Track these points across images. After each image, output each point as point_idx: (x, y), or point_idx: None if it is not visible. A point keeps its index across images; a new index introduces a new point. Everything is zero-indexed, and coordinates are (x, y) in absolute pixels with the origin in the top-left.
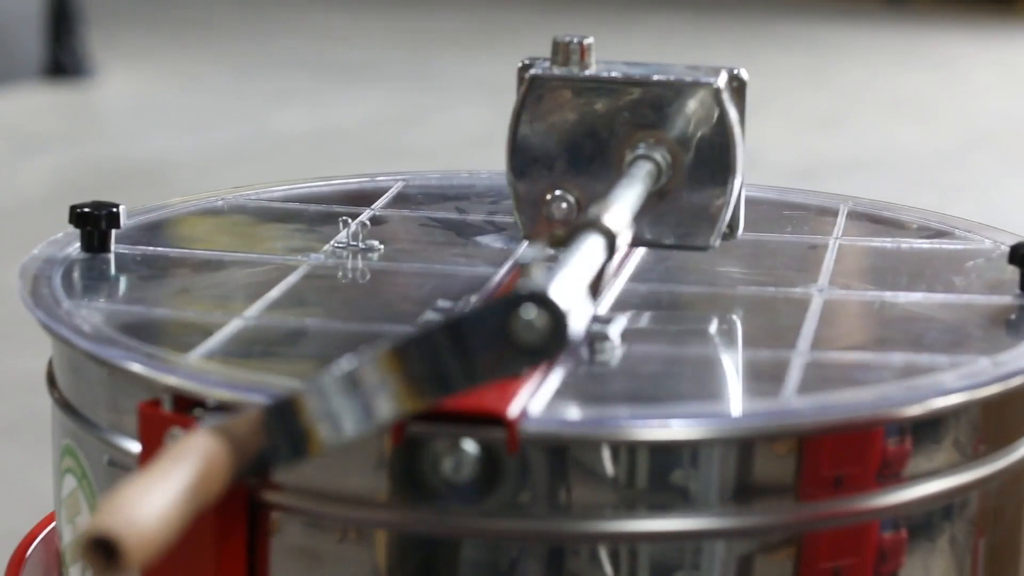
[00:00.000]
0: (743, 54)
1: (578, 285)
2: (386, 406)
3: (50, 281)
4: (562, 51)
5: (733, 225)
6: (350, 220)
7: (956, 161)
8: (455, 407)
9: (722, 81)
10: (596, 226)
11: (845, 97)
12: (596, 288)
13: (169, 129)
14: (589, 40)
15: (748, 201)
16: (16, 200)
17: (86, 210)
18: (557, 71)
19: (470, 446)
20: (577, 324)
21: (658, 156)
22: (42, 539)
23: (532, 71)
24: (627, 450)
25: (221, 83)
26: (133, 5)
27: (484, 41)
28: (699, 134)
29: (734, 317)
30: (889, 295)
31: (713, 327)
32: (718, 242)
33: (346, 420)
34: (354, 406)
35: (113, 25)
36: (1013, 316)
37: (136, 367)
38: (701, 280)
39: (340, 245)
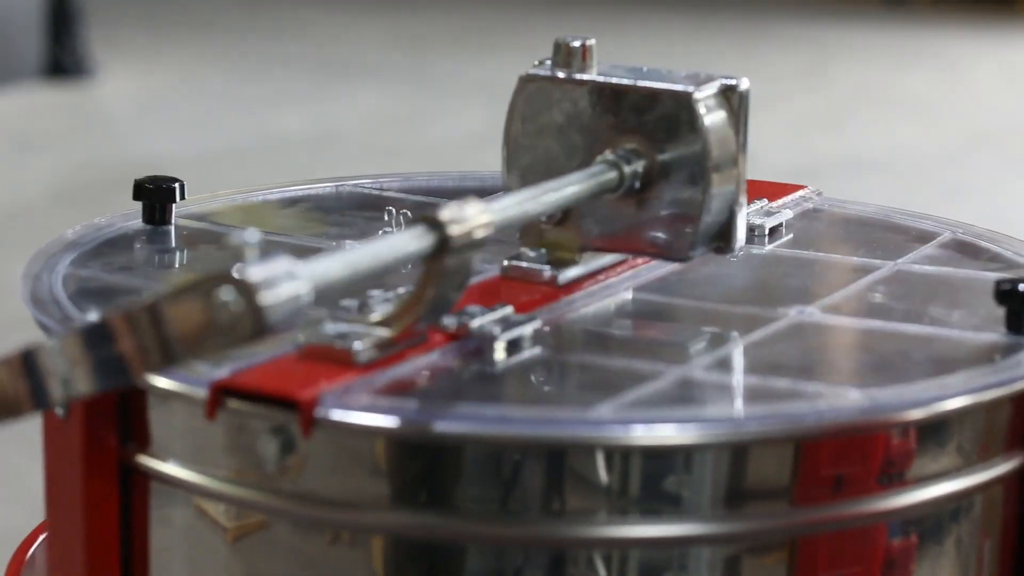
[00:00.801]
0: (743, 54)
1: (312, 271)
2: (85, 381)
3: (51, 281)
4: (563, 52)
5: (727, 239)
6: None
7: (957, 161)
8: (257, 387)
9: (707, 90)
10: (425, 219)
11: (845, 97)
12: (458, 283)
13: (169, 129)
14: (591, 42)
15: (850, 219)
16: (16, 200)
17: (148, 185)
18: (545, 72)
19: (271, 427)
20: (284, 309)
21: (624, 162)
22: (43, 540)
23: (528, 71)
24: (621, 455)
25: (221, 83)
26: (133, 5)
27: (484, 42)
28: (675, 143)
29: (676, 331)
30: (877, 324)
31: (648, 339)
32: (695, 255)
33: (78, 381)
34: (78, 370)
35: (113, 25)
36: (995, 357)
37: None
38: (693, 294)
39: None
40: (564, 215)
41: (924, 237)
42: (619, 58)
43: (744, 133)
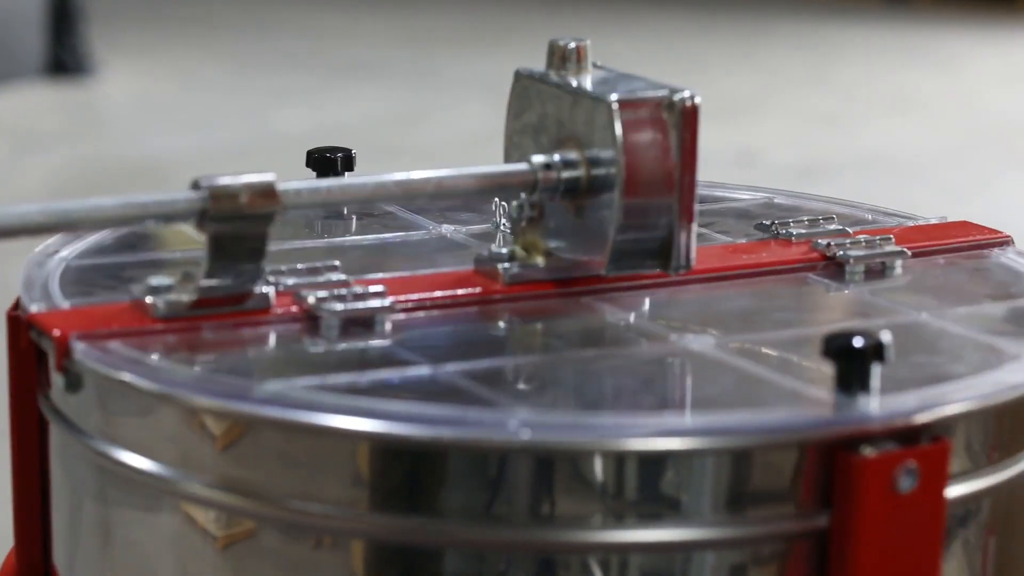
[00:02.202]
0: (744, 53)
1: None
2: None
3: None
4: (557, 54)
5: (666, 258)
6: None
7: (957, 159)
8: (42, 321)
9: (635, 101)
10: (195, 183)
11: (846, 95)
12: (247, 253)
13: (170, 127)
14: (585, 43)
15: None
16: (17, 198)
17: (326, 155)
18: (527, 71)
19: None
20: None
21: (561, 167)
22: None
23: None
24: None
25: (222, 82)
26: (134, 3)
27: (485, 40)
28: (601, 152)
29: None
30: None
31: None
32: (614, 270)
33: None
34: None
35: (114, 23)
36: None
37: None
38: (632, 313)
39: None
40: (538, 215)
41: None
42: (619, 58)
43: (687, 148)
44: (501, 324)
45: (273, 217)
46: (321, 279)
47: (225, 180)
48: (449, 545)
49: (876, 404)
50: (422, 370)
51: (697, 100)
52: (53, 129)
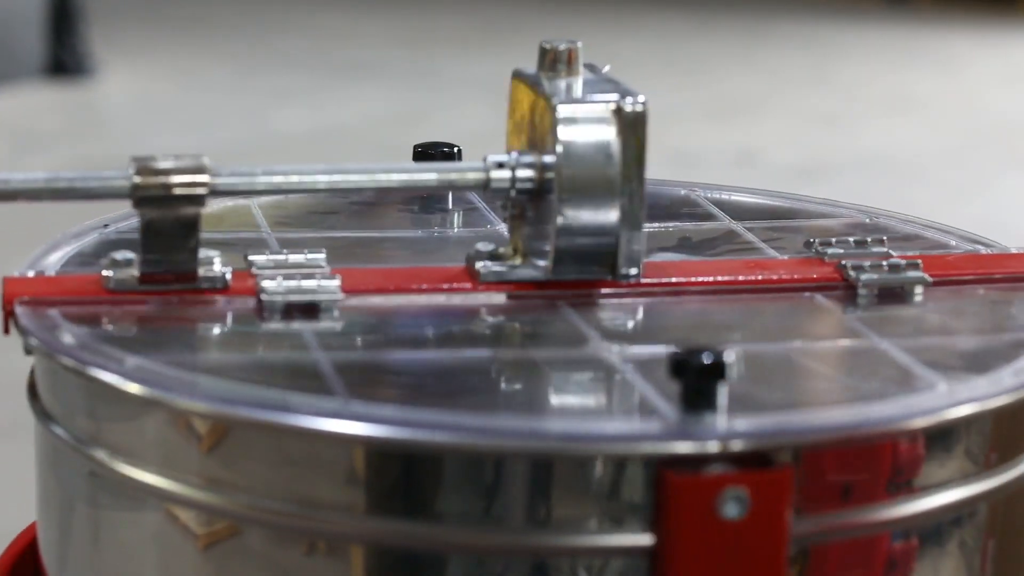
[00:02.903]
0: (744, 53)
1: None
2: None
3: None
4: (548, 56)
5: (620, 264)
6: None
7: (957, 159)
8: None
9: (583, 103)
10: (134, 159)
11: (846, 96)
12: (183, 236)
13: (170, 127)
14: (576, 45)
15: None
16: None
17: (430, 151)
18: (519, 70)
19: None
20: None
21: (517, 167)
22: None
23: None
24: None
25: (222, 82)
26: (134, 3)
27: (485, 40)
28: (550, 154)
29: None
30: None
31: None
32: (558, 275)
33: None
34: None
35: (114, 23)
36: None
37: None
38: (579, 325)
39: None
40: (519, 215)
41: None
42: (619, 59)
43: (633, 155)
44: (441, 321)
45: (203, 200)
46: (292, 266)
47: (156, 162)
48: (444, 549)
49: (712, 423)
50: (300, 356)
51: (645, 107)
52: (53, 129)
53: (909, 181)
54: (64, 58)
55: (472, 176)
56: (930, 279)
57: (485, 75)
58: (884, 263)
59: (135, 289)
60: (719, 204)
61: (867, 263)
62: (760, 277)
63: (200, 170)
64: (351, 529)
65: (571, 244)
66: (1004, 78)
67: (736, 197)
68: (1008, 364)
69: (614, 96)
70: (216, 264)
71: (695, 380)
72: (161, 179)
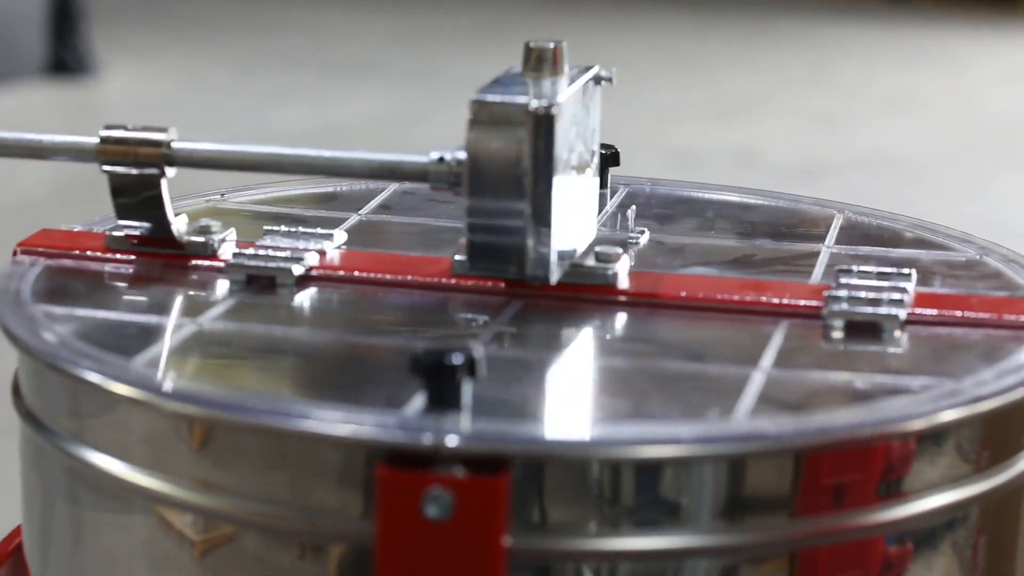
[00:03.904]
0: (744, 52)
1: None
2: None
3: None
4: (533, 55)
5: (528, 265)
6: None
7: (957, 159)
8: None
9: (501, 103)
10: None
11: (846, 95)
12: (148, 201)
13: (171, 126)
14: (561, 44)
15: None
16: (18, 198)
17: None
18: (514, 70)
19: None
20: None
21: (433, 160)
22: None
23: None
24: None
25: (223, 81)
26: (135, 3)
27: (486, 39)
28: (462, 151)
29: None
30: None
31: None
32: (471, 272)
33: None
34: None
35: (115, 22)
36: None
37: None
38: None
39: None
40: None
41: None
42: (619, 59)
43: (541, 157)
44: (383, 308)
45: (162, 168)
46: (289, 242)
47: (120, 131)
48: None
49: (439, 423)
50: (185, 324)
51: (555, 110)
52: (54, 128)
53: (909, 181)
54: (65, 57)
55: (414, 166)
56: (902, 318)
57: (486, 74)
58: (865, 296)
59: (126, 248)
60: (847, 225)
61: (846, 294)
62: (735, 298)
63: (156, 141)
64: (341, 531)
65: (481, 241)
66: (1004, 78)
67: (864, 219)
68: (866, 404)
69: (525, 98)
70: (216, 233)
71: (433, 378)
72: (123, 147)
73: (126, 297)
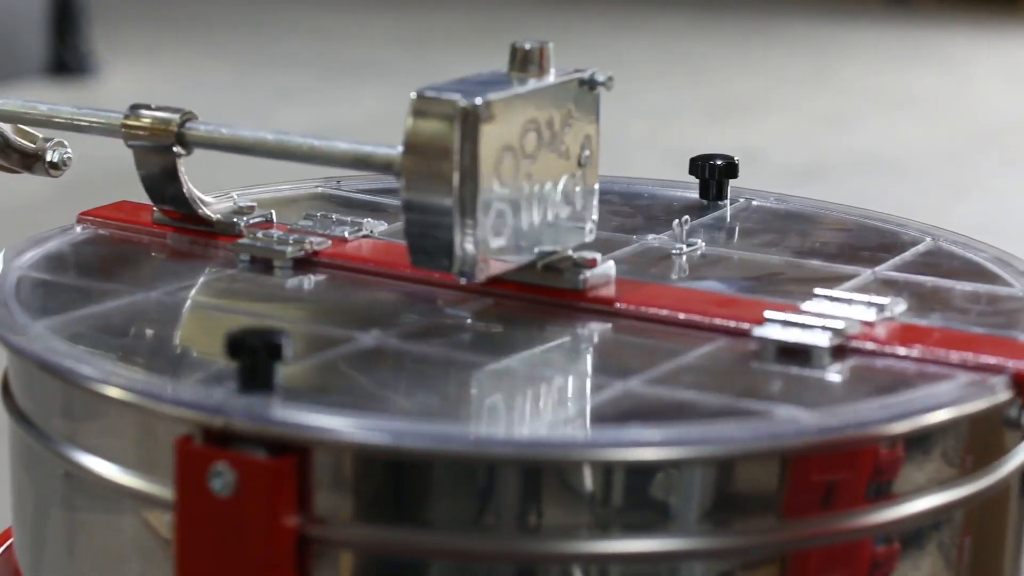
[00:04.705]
0: (745, 53)
1: None
2: None
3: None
4: (519, 55)
5: (456, 262)
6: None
7: (959, 160)
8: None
9: (438, 101)
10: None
11: (847, 96)
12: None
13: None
14: (547, 44)
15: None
16: (18, 198)
17: (709, 162)
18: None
19: None
20: None
21: (395, 154)
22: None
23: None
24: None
25: (224, 81)
26: (136, 3)
27: (486, 39)
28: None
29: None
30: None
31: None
32: (417, 264)
33: None
34: None
35: (116, 23)
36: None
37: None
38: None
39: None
40: None
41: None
42: (619, 59)
43: (469, 156)
44: (345, 296)
45: (172, 148)
46: (321, 228)
47: (146, 109)
48: (434, 556)
49: (239, 403)
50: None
51: (482, 110)
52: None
53: (908, 180)
54: (66, 57)
55: (380, 157)
56: (827, 347)
57: None
58: (798, 320)
59: (166, 224)
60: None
61: (782, 317)
62: (680, 316)
63: (167, 120)
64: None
65: (416, 233)
66: (1004, 78)
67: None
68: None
69: (458, 95)
70: (248, 215)
71: (242, 358)
72: (140, 124)
73: (119, 269)
